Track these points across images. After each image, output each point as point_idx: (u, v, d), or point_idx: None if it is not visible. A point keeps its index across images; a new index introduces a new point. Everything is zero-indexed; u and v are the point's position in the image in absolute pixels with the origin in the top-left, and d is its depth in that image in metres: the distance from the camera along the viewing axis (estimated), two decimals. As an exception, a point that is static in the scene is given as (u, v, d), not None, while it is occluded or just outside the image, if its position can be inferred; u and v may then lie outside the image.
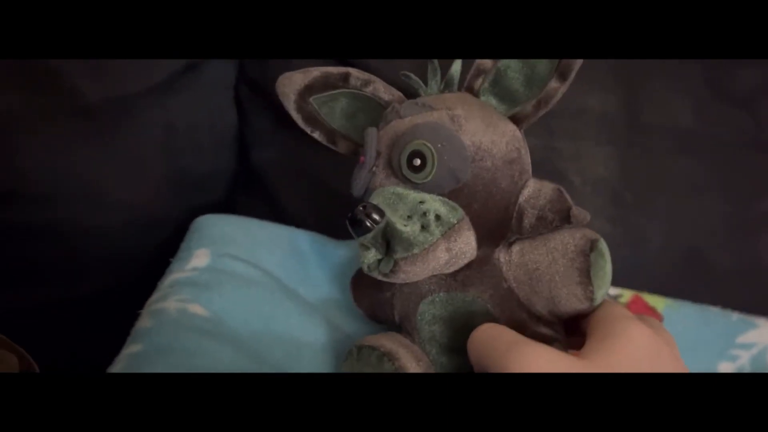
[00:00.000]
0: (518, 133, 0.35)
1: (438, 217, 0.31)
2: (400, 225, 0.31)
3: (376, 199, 0.33)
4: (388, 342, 0.35)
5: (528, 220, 0.33)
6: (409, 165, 0.33)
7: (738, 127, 0.45)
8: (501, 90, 0.36)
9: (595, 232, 0.32)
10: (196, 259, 0.40)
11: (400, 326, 0.36)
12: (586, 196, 0.46)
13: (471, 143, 0.33)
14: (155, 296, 0.37)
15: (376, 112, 0.38)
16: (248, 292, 0.38)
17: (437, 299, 0.34)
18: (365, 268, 0.32)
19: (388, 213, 0.32)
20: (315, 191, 0.52)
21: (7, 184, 0.42)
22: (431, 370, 0.34)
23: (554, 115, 0.45)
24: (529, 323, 0.32)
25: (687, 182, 0.46)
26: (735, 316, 0.45)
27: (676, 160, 0.46)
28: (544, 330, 0.33)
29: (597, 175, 0.46)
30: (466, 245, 0.32)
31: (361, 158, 0.35)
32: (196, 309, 0.36)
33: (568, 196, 0.33)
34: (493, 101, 0.36)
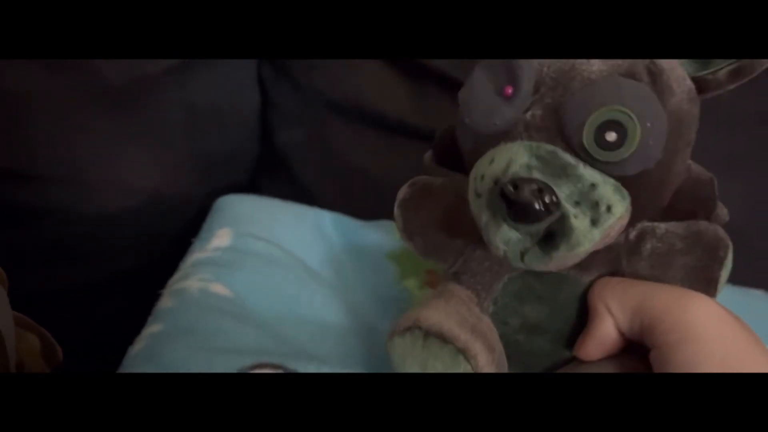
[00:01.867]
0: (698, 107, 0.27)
1: (609, 209, 0.25)
2: (572, 217, 0.24)
3: (523, 158, 0.25)
4: (461, 331, 0.27)
5: (678, 208, 0.28)
6: (597, 136, 0.24)
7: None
8: None
9: (728, 238, 0.27)
10: (218, 239, 0.39)
11: (459, 276, 0.30)
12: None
13: (669, 118, 0.25)
14: (177, 276, 0.37)
15: None
16: (271, 273, 0.37)
17: (545, 276, 0.28)
18: (498, 252, 0.26)
19: (557, 188, 0.24)
20: (340, 172, 0.51)
21: (30, 166, 0.42)
22: (503, 359, 0.29)
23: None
24: None
25: (728, 159, 0.44)
26: (779, 300, 0.43)
27: (717, 135, 0.44)
28: None
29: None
30: (616, 236, 0.26)
31: (508, 88, 0.26)
32: (218, 288, 0.35)
33: (717, 190, 0.28)
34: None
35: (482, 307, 0.29)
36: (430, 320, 0.27)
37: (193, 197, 0.47)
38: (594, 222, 0.25)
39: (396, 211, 0.31)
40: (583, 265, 0.28)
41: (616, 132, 0.24)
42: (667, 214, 0.28)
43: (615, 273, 0.28)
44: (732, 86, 0.27)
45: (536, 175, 0.25)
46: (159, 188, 0.46)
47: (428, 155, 0.32)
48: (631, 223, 0.27)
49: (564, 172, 0.25)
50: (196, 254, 0.38)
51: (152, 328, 0.33)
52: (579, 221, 0.25)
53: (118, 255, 0.45)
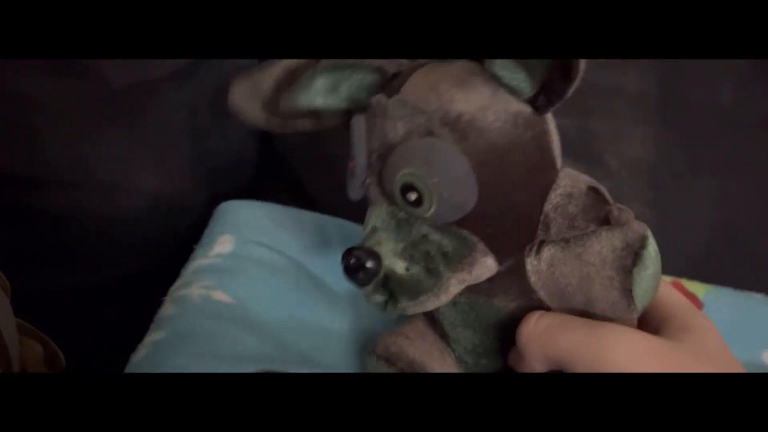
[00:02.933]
0: (541, 124, 0.27)
1: (445, 255, 0.27)
2: (401, 271, 0.27)
3: (372, 221, 0.28)
4: (416, 351, 0.31)
5: (556, 228, 0.27)
6: (403, 197, 0.27)
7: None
8: None
9: (641, 232, 0.26)
10: (220, 245, 0.39)
11: None
12: (623, 180, 0.44)
13: (478, 161, 0.26)
14: (178, 283, 0.37)
15: (360, 73, 0.31)
16: (273, 279, 0.37)
17: (458, 304, 0.30)
18: (371, 305, 0.29)
19: (388, 248, 0.27)
20: (341, 177, 0.51)
21: (32, 169, 0.42)
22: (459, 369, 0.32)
23: (589, 94, 0.44)
24: None
25: (729, 163, 0.44)
26: (779, 304, 0.43)
27: (718, 139, 0.44)
28: None
29: (635, 156, 0.45)
30: (482, 270, 0.28)
31: (351, 164, 0.29)
32: (220, 296, 0.35)
33: (606, 195, 0.27)
34: (506, 71, 0.26)
35: (441, 334, 0.32)
36: (385, 345, 0.32)
37: (195, 202, 0.47)
38: (430, 270, 0.27)
39: None
40: (488, 292, 0.29)
41: (414, 192, 0.27)
42: (555, 233, 0.28)
43: (527, 293, 0.29)
44: (570, 91, 0.25)
45: (381, 235, 0.28)
46: (161, 192, 0.46)
47: None
48: (509, 250, 0.28)
49: (400, 228, 0.28)
50: (198, 261, 0.38)
51: (154, 336, 0.33)
52: (411, 272, 0.27)
53: (120, 259, 0.45)
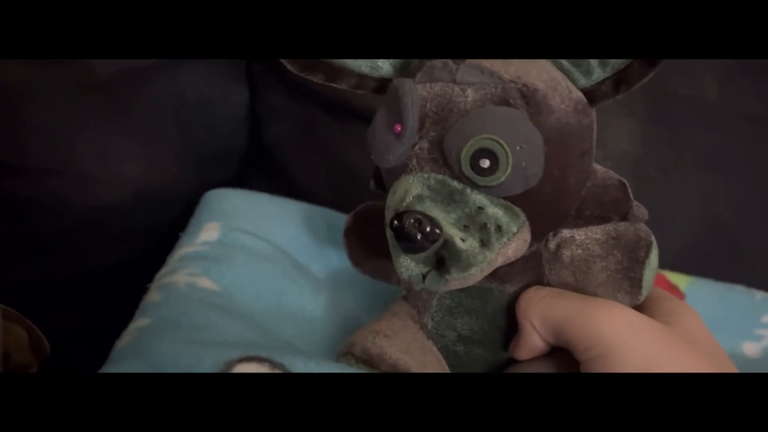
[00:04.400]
0: (593, 115, 0.28)
1: (499, 228, 0.26)
2: (458, 241, 0.26)
3: (417, 189, 0.27)
4: (397, 351, 0.30)
5: (586, 217, 0.29)
6: (473, 163, 0.26)
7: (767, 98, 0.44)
8: None
9: (648, 231, 0.29)
10: (206, 233, 0.39)
11: (405, 294, 0.33)
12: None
13: (547, 137, 0.26)
14: (164, 270, 0.37)
15: None
16: (259, 267, 0.37)
17: (467, 290, 0.30)
18: (403, 278, 0.27)
19: (440, 216, 0.26)
20: (328, 167, 0.51)
21: (18, 156, 0.42)
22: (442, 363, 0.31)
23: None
24: None
25: (712, 157, 0.45)
26: (759, 295, 0.44)
27: (703, 133, 0.44)
28: None
29: (619, 149, 0.45)
30: (520, 250, 0.28)
31: (397, 126, 0.27)
32: (206, 283, 0.35)
33: (630, 192, 0.29)
34: (566, 65, 0.28)
35: (422, 323, 0.32)
36: (360, 344, 0.30)
37: (182, 190, 0.47)
38: (484, 243, 0.26)
39: (343, 240, 0.34)
40: (504, 277, 0.30)
41: (489, 159, 0.26)
42: (583, 221, 0.29)
43: (539, 281, 0.30)
44: (620, 95, 0.27)
45: (428, 203, 0.26)
46: (147, 181, 0.46)
47: (372, 181, 0.34)
48: (542, 233, 0.29)
49: (452, 198, 0.27)
50: (184, 248, 0.38)
51: (139, 323, 0.33)
52: (467, 244, 0.26)
53: (107, 247, 0.45)
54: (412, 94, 0.27)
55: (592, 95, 0.28)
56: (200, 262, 0.37)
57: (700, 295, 0.44)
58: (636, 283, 0.28)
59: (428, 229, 0.25)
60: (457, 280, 0.27)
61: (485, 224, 0.26)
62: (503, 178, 0.26)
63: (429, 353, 0.31)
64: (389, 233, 0.27)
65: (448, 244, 0.26)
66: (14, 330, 0.35)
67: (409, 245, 0.26)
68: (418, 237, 0.25)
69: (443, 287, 0.27)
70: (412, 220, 0.25)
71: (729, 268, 0.45)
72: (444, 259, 0.27)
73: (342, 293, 0.38)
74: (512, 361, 0.31)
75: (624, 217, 0.29)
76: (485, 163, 0.26)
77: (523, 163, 0.26)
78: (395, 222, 0.26)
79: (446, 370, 0.32)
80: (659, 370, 0.25)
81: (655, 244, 0.29)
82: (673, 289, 0.44)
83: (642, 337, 0.26)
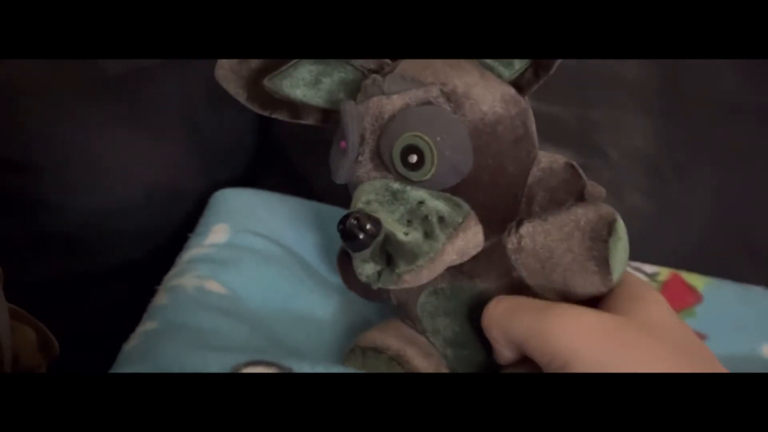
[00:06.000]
0: (524, 104, 0.30)
1: (442, 219, 0.28)
2: (400, 234, 0.28)
3: (366, 196, 0.29)
4: (394, 341, 0.32)
5: (538, 203, 0.30)
6: (403, 161, 0.28)
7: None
8: None
9: (611, 209, 0.29)
10: (215, 234, 0.39)
11: (398, 310, 0.34)
12: (623, 170, 0.44)
13: (473, 128, 0.28)
14: (172, 272, 0.37)
15: (342, 71, 0.33)
16: (267, 270, 0.37)
17: (440, 291, 0.31)
18: (363, 280, 0.29)
19: (384, 216, 0.28)
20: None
21: (26, 155, 0.41)
22: (442, 364, 0.32)
23: (588, 84, 0.43)
24: None
25: (731, 154, 0.44)
26: (779, 296, 0.43)
27: (720, 130, 0.43)
28: None
29: (635, 147, 0.44)
30: (474, 242, 0.29)
31: (342, 143, 0.30)
32: (213, 286, 0.35)
33: (581, 172, 0.29)
34: (488, 61, 0.30)
35: (418, 331, 0.33)
36: (365, 340, 0.32)
37: (191, 189, 0.47)
38: (428, 234, 0.28)
39: (336, 266, 0.36)
40: (471, 272, 0.30)
41: (415, 154, 0.28)
42: (538, 207, 0.30)
43: (508, 273, 0.30)
44: (542, 80, 0.29)
45: (374, 206, 0.29)
46: (156, 179, 0.45)
47: None
48: (497, 224, 0.30)
49: (395, 198, 0.29)
50: (192, 250, 0.38)
51: (146, 326, 0.33)
52: (410, 237, 0.28)
53: (115, 246, 0.45)
54: (351, 112, 0.29)
55: (518, 85, 0.30)
56: (208, 264, 0.36)
57: (719, 296, 0.43)
58: (602, 262, 0.28)
59: (368, 225, 0.27)
60: (408, 274, 0.28)
61: (427, 216, 0.28)
62: (433, 170, 0.28)
63: (432, 350, 0.33)
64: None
65: (391, 239, 0.28)
66: (23, 330, 0.35)
67: (353, 243, 0.27)
68: (360, 235, 0.27)
69: (397, 283, 0.28)
70: (352, 220, 0.27)
71: (746, 268, 0.44)
72: (391, 255, 0.28)
73: (351, 296, 0.38)
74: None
75: (580, 198, 0.29)
76: (413, 159, 0.28)
77: (447, 153, 0.28)
78: (339, 225, 0.28)
79: (444, 364, 0.33)
80: (618, 371, 0.25)
81: (620, 221, 0.28)
82: (691, 290, 0.43)
83: (598, 340, 0.26)
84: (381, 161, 0.29)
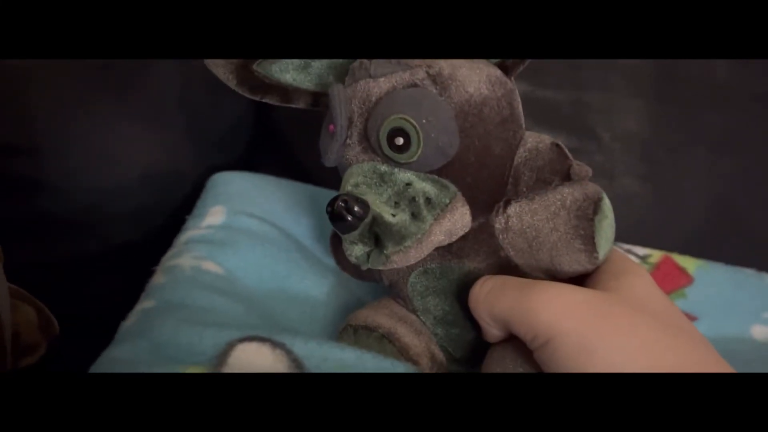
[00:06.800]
0: (510, 84, 0.31)
1: (429, 201, 0.28)
2: (387, 216, 0.28)
3: (354, 178, 0.29)
4: (386, 319, 0.32)
5: (525, 183, 0.30)
6: (390, 143, 0.29)
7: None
8: None
9: (597, 188, 0.29)
10: (212, 216, 0.39)
11: (390, 290, 0.34)
12: (615, 152, 0.44)
13: (459, 110, 0.29)
14: (170, 253, 0.37)
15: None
16: (263, 251, 0.38)
17: (429, 270, 0.31)
18: (352, 261, 0.30)
19: (372, 198, 0.28)
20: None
21: (25, 139, 0.42)
22: (432, 342, 0.33)
23: (582, 67, 0.43)
24: None
25: (722, 138, 0.44)
26: (770, 279, 0.43)
27: (713, 113, 0.44)
28: None
29: (628, 129, 0.44)
30: (461, 223, 0.29)
31: (330, 126, 0.30)
32: (210, 266, 0.36)
33: (567, 151, 0.30)
34: None
35: (409, 309, 0.33)
36: (357, 318, 0.33)
37: (189, 172, 0.47)
38: (415, 215, 0.28)
39: (329, 248, 0.37)
40: (460, 252, 0.31)
41: (401, 136, 0.28)
42: (525, 187, 0.30)
43: (496, 252, 0.30)
44: (527, 63, 0.30)
45: (362, 188, 0.29)
46: (154, 163, 0.46)
47: None
48: (484, 204, 0.30)
49: (382, 180, 0.29)
50: (190, 232, 0.38)
51: (144, 304, 0.33)
52: (397, 218, 0.28)
53: (114, 230, 0.45)
54: (339, 95, 0.30)
55: (503, 66, 0.31)
56: (205, 245, 0.37)
57: (710, 278, 0.43)
58: (588, 240, 0.28)
59: (355, 208, 0.28)
60: (396, 254, 0.28)
61: (414, 198, 0.28)
62: (419, 152, 0.28)
63: (420, 325, 0.33)
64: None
65: (378, 220, 0.28)
66: (24, 309, 0.36)
67: (342, 225, 0.28)
68: (348, 217, 0.28)
69: (385, 263, 0.29)
70: (340, 202, 0.28)
71: (739, 251, 0.45)
72: (380, 237, 0.29)
73: (345, 277, 0.38)
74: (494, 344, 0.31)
75: (566, 178, 0.29)
76: (399, 141, 0.28)
77: (433, 135, 0.28)
78: (328, 207, 0.28)
79: (435, 342, 0.33)
80: (601, 345, 0.25)
81: (606, 200, 0.29)
82: (682, 272, 0.43)
83: (580, 315, 0.26)
84: (369, 144, 0.30)
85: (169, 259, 0.36)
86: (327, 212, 0.28)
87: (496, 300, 0.28)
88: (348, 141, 0.30)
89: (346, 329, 0.33)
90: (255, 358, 0.28)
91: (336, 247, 0.36)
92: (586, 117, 0.44)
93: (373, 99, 0.29)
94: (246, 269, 0.37)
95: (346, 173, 0.30)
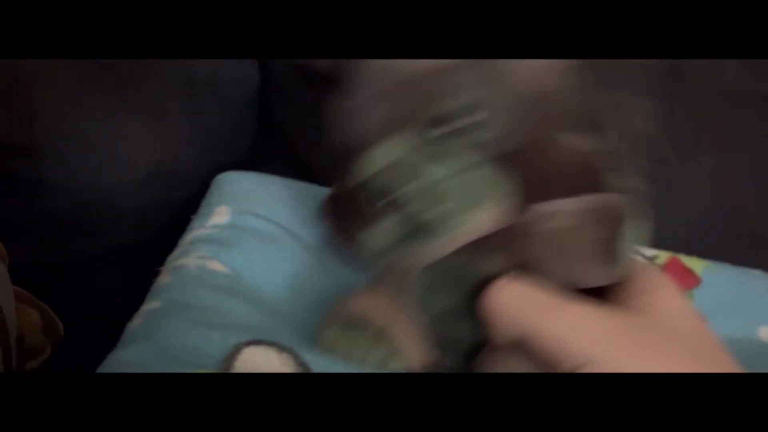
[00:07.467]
0: (579, 80, 0.30)
1: (455, 199, 0.27)
2: (421, 209, 0.27)
3: (393, 153, 0.28)
4: (380, 315, 0.31)
5: (560, 186, 0.28)
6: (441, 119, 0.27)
7: (789, 79, 0.43)
8: None
9: (621, 198, 0.28)
10: (217, 216, 0.39)
11: (394, 281, 0.33)
12: (623, 153, 0.44)
13: (530, 85, 0.28)
14: (176, 253, 0.37)
15: None
16: (269, 250, 0.38)
17: (439, 266, 0.30)
18: (374, 252, 0.28)
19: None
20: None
21: (29, 138, 0.42)
22: (428, 338, 0.32)
23: (588, 66, 0.43)
24: None
25: (731, 138, 0.44)
26: (778, 280, 0.43)
27: (721, 113, 0.43)
28: None
29: (633, 129, 0.44)
30: (492, 222, 0.27)
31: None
32: (216, 266, 0.35)
33: (607, 159, 0.29)
34: None
35: (401, 303, 0.32)
36: (347, 310, 0.31)
37: (193, 173, 0.47)
38: (438, 214, 0.27)
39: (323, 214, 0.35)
40: (475, 253, 0.29)
41: (475, 113, 0.27)
42: (557, 192, 0.28)
43: (513, 255, 0.29)
44: None
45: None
46: (158, 163, 0.46)
47: None
48: (523, 203, 0.28)
49: (437, 156, 0.27)
50: (195, 231, 0.38)
51: (150, 305, 0.33)
52: (431, 213, 0.27)
53: (118, 229, 0.45)
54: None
55: None
56: (211, 245, 0.37)
57: (718, 280, 0.43)
58: (611, 255, 0.27)
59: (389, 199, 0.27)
60: (416, 252, 0.27)
61: (473, 181, 0.27)
62: (493, 133, 0.27)
63: (417, 320, 0.32)
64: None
65: (412, 214, 0.27)
66: (27, 311, 0.36)
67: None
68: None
69: (410, 259, 0.28)
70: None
71: (746, 252, 0.45)
72: (413, 230, 0.27)
73: (352, 276, 0.38)
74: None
75: (600, 188, 0.28)
76: (479, 117, 0.27)
77: (511, 118, 0.27)
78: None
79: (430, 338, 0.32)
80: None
81: (629, 211, 0.28)
82: (689, 274, 0.43)
83: (611, 342, 0.25)
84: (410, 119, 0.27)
85: (175, 259, 0.36)
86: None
87: (518, 313, 0.27)
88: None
89: (333, 323, 0.31)
90: (262, 362, 0.28)
91: (337, 241, 0.34)
92: (593, 115, 0.43)
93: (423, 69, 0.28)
94: (252, 269, 0.36)
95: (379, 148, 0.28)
